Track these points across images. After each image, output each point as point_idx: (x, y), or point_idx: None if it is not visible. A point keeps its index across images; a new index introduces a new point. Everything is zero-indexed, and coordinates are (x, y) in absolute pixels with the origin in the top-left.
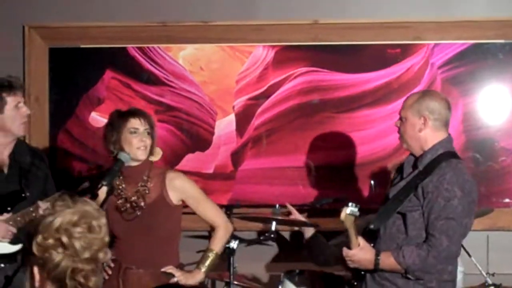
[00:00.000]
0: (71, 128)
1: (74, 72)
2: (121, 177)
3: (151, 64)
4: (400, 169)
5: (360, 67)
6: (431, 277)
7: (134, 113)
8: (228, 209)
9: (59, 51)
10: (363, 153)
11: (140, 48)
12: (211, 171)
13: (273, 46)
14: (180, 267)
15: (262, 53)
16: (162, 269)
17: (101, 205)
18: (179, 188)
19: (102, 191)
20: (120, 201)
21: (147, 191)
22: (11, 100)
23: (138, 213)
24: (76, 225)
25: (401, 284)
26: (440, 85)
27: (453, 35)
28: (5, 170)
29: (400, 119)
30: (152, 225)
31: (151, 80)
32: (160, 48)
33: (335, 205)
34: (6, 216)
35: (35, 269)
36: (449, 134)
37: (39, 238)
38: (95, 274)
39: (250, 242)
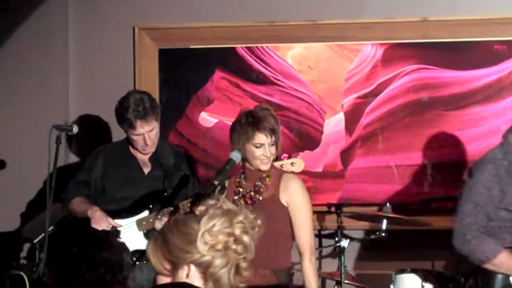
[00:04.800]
0: (181, 128)
1: (184, 73)
2: (243, 174)
3: (260, 64)
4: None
5: (469, 64)
6: None
7: (261, 127)
8: (338, 208)
9: (169, 52)
10: (475, 150)
11: (249, 48)
12: (320, 169)
13: (382, 44)
14: (291, 268)
15: (370, 51)
16: None
17: None
18: (289, 190)
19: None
20: (236, 197)
21: (263, 188)
22: None
23: (250, 208)
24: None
25: None
26: None
27: None
28: (146, 171)
29: None
30: (263, 222)
31: (260, 79)
32: (268, 47)
33: (446, 203)
34: (144, 214)
35: (192, 267)
36: None
37: (208, 238)
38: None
39: (360, 241)
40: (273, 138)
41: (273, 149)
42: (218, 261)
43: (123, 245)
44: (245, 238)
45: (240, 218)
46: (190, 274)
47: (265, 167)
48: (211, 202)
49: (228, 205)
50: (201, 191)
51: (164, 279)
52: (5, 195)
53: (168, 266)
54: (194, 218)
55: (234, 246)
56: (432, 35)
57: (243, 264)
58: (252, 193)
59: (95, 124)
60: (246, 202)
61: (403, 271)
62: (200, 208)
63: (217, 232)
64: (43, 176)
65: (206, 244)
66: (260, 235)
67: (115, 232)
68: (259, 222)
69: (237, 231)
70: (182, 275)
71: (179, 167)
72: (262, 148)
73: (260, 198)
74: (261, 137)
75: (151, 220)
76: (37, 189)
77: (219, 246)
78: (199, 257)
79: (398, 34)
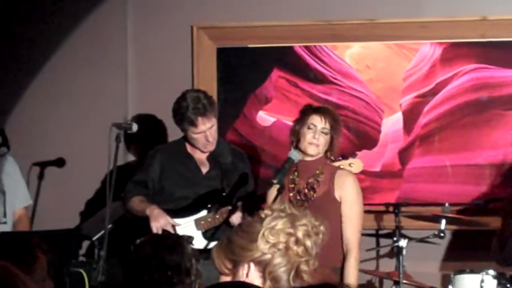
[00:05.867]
0: (239, 127)
1: (242, 72)
2: (296, 171)
3: (317, 63)
4: None
5: None
6: None
7: (319, 110)
8: (396, 208)
9: (227, 51)
10: None
11: (306, 47)
12: (378, 169)
13: (441, 43)
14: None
15: (429, 50)
16: None
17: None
18: (344, 186)
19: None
20: (292, 194)
21: (316, 184)
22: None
23: (306, 205)
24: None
25: None
26: None
27: None
28: (204, 171)
29: None
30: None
31: (318, 78)
32: (326, 46)
33: None
34: (202, 214)
35: (252, 266)
36: None
37: (269, 237)
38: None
39: (418, 241)
40: (327, 126)
41: (324, 137)
42: (278, 260)
43: (195, 251)
44: (307, 242)
45: (304, 221)
46: (250, 273)
47: (311, 151)
48: (276, 206)
49: (293, 210)
50: (260, 190)
51: (224, 279)
52: (64, 192)
53: (229, 265)
54: (259, 220)
55: (295, 248)
56: (491, 34)
57: (304, 267)
58: (306, 190)
59: (154, 122)
60: (301, 199)
61: (461, 271)
62: (266, 211)
63: (279, 231)
64: (102, 174)
65: (267, 243)
66: (324, 241)
67: (189, 238)
68: (322, 228)
69: (299, 233)
70: (242, 274)
71: (237, 165)
72: (313, 131)
73: (314, 195)
74: (315, 118)
75: (209, 219)
76: (96, 187)
77: (280, 246)
78: (259, 256)
79: (457, 33)
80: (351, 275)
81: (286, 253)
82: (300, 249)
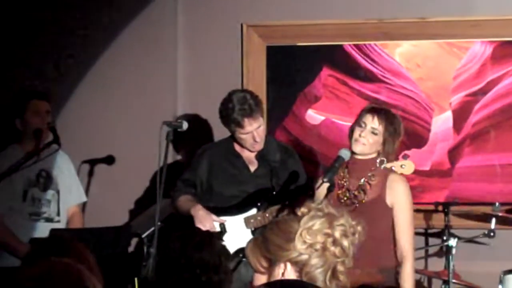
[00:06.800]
0: (288, 125)
1: (291, 70)
2: (346, 169)
3: (367, 61)
4: None
5: None
6: None
7: (373, 110)
8: (445, 207)
9: (276, 49)
10: None
11: (356, 45)
12: (427, 168)
13: (491, 42)
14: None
15: (480, 49)
16: None
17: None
18: (396, 192)
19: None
20: (340, 191)
21: (368, 187)
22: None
23: (356, 206)
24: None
25: None
26: None
27: None
28: (252, 169)
29: None
30: (367, 222)
31: (368, 77)
32: (376, 45)
33: None
34: (252, 212)
35: (288, 266)
36: None
37: (307, 237)
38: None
39: (468, 240)
40: (378, 127)
41: (373, 137)
42: (315, 261)
43: (223, 248)
44: (344, 242)
45: (341, 221)
46: (286, 272)
47: (356, 148)
48: (313, 204)
49: (331, 209)
50: (310, 188)
51: (260, 277)
52: (113, 190)
53: (265, 264)
54: (295, 218)
55: (332, 248)
56: None
57: (341, 268)
58: (357, 192)
59: (203, 121)
60: (350, 200)
61: (511, 271)
62: (303, 210)
63: (316, 231)
64: (151, 172)
65: (304, 243)
66: (360, 241)
67: (218, 235)
68: (359, 228)
69: (337, 233)
70: (278, 273)
71: (286, 162)
72: (361, 129)
73: (365, 198)
74: (367, 117)
75: (258, 218)
76: (146, 184)
77: (317, 246)
78: (296, 256)
79: (508, 32)
80: (407, 282)
81: (323, 254)
82: (337, 250)
